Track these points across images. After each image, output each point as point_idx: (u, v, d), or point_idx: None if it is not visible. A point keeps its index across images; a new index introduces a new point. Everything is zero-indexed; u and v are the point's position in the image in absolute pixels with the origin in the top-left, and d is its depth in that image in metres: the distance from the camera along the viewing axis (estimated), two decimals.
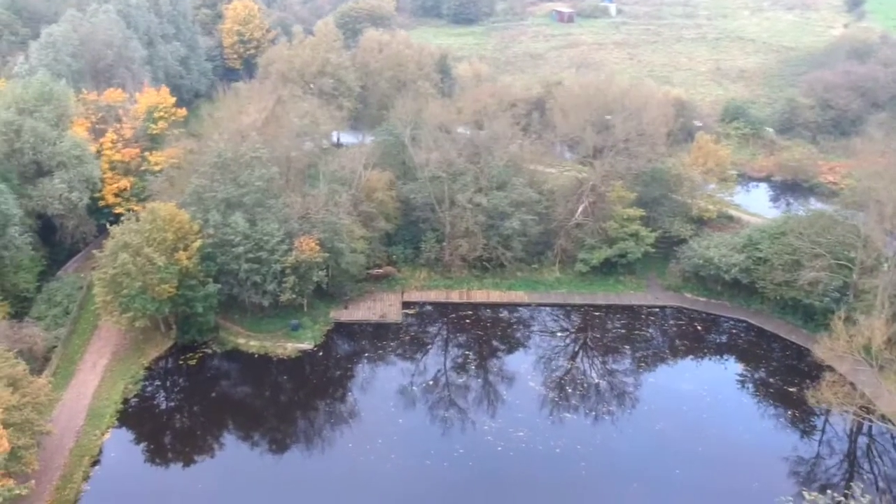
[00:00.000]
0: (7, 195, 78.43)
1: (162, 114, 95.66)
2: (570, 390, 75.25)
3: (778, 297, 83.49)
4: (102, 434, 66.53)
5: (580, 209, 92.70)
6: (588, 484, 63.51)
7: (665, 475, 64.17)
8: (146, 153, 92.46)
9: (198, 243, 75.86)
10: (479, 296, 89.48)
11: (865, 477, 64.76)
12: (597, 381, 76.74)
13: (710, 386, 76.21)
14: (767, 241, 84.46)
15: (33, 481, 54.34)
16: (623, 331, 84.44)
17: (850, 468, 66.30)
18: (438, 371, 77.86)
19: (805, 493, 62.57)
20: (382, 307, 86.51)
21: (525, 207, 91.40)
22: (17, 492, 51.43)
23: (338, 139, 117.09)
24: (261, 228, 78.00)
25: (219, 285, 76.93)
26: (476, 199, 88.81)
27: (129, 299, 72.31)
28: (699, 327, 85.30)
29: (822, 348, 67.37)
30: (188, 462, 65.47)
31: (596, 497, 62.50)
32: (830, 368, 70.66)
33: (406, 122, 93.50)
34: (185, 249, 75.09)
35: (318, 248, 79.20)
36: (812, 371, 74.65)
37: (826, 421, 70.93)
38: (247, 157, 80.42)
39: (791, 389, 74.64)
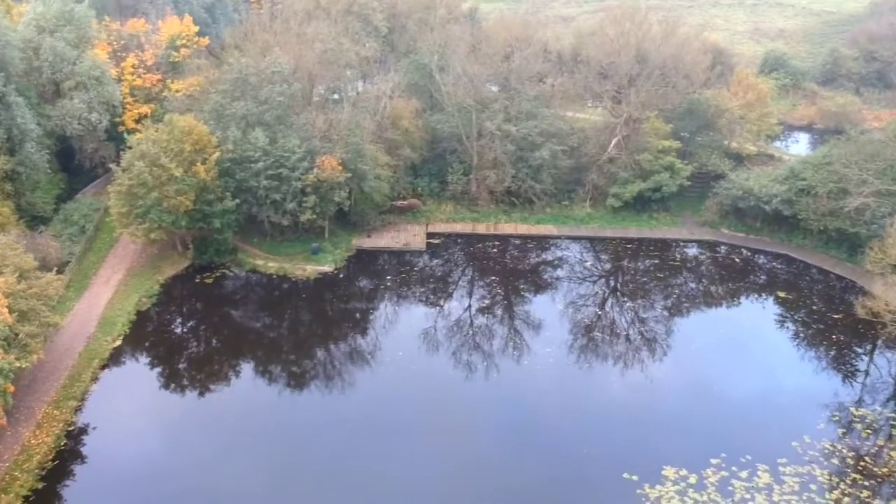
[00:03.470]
0: (24, 109, 76.62)
1: (184, 42, 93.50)
2: (600, 313, 71.84)
3: (822, 229, 79.29)
4: (113, 341, 64.16)
5: (613, 142, 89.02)
6: (621, 402, 59.91)
7: (703, 397, 60.67)
8: (167, 80, 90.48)
9: (216, 155, 73.41)
10: (507, 229, 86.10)
11: None
12: (628, 312, 73.13)
13: (749, 318, 72.29)
14: (811, 170, 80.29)
15: (35, 357, 51.98)
16: (657, 261, 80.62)
17: None
18: (461, 293, 74.79)
19: (852, 409, 58.63)
20: (406, 237, 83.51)
21: (556, 139, 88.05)
22: (18, 364, 49.04)
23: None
24: (281, 145, 75.37)
25: (237, 200, 74.32)
26: (505, 128, 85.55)
27: (144, 210, 70.10)
28: (737, 260, 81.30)
29: (872, 257, 63.27)
30: (200, 370, 62.70)
31: (629, 415, 58.79)
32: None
33: (434, 50, 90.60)
34: (203, 163, 72.65)
35: (340, 167, 76.40)
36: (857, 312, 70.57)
37: (871, 360, 66.52)
38: (268, 73, 77.92)
39: (837, 316, 70.54)
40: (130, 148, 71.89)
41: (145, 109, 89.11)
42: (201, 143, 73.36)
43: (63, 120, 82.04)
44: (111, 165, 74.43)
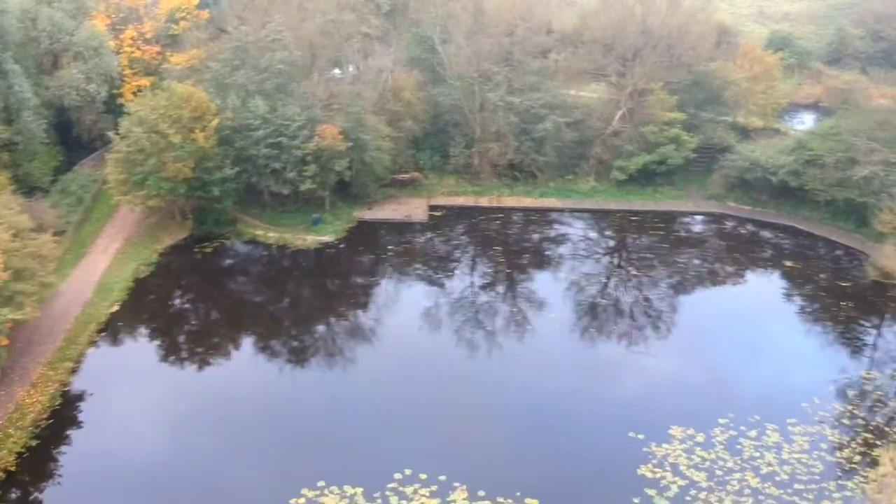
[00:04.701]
0: (20, 77, 75.53)
1: (184, 15, 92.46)
2: (605, 282, 70.83)
3: (829, 200, 78.23)
4: (111, 306, 63.13)
5: (617, 115, 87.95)
6: (626, 369, 58.93)
7: (710, 364, 59.57)
8: (167, 53, 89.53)
9: (215, 122, 72.37)
10: (510, 202, 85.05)
11: None
12: (633, 282, 71.89)
13: (756, 288, 71.03)
14: (819, 140, 79.24)
15: (29, 309, 50.92)
16: (662, 233, 79.51)
17: None
18: (463, 260, 73.82)
19: (863, 373, 57.56)
20: (408, 210, 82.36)
21: (559, 111, 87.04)
22: (12, 316, 48.08)
23: None
24: (281, 113, 74.28)
25: (237, 169, 73.30)
26: (508, 99, 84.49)
27: (142, 177, 69.24)
28: (743, 232, 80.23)
29: (882, 218, 62.23)
30: (197, 336, 61.72)
31: (635, 380, 57.75)
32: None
33: (436, 22, 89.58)
34: (202, 130, 71.58)
35: (340, 136, 75.31)
36: (866, 275, 69.75)
37: (881, 326, 65.36)
38: (268, 41, 76.96)
39: (845, 285, 69.53)
40: (128, 114, 71.00)
41: (144, 82, 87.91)
42: (200, 109, 72.32)
43: (61, 90, 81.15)
44: (109, 134, 73.50)
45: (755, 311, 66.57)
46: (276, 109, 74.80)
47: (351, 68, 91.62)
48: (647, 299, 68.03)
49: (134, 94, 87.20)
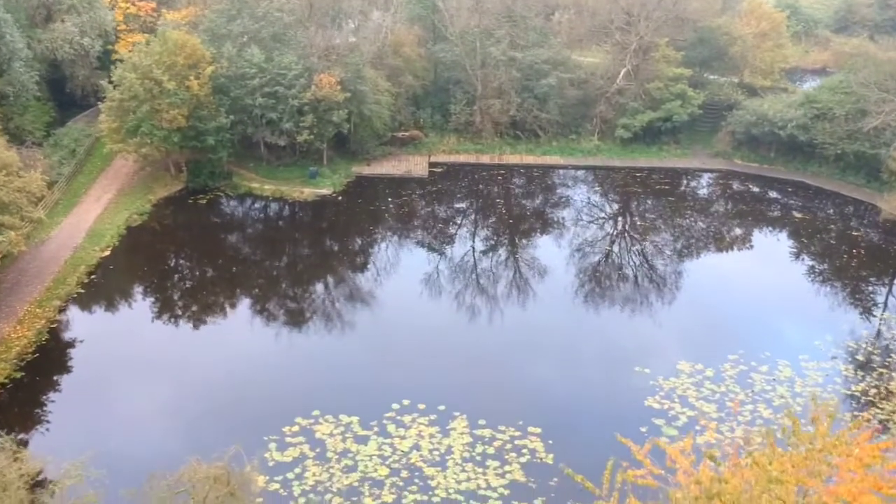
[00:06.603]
0: (11, 26, 73.82)
1: None
2: (612, 233, 69.03)
3: (839, 154, 76.29)
4: (101, 251, 61.38)
5: (622, 73, 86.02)
6: (631, 315, 57.23)
7: (718, 309, 57.85)
8: (162, 11, 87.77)
9: (210, 70, 70.56)
10: (512, 159, 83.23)
11: None
12: (633, 244, 70.18)
13: (767, 240, 69.44)
14: (828, 93, 77.47)
15: (13, 234, 49.18)
16: (667, 188, 77.76)
17: None
18: (463, 212, 72.16)
19: (877, 314, 55.83)
20: (408, 166, 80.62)
21: (563, 67, 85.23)
22: None
23: None
24: (277, 62, 72.52)
25: (231, 117, 71.53)
26: (511, 54, 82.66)
27: (135, 124, 67.54)
28: (752, 188, 78.44)
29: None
30: (187, 282, 60.56)
31: (641, 324, 55.99)
32: None
33: None
34: (196, 78, 69.82)
35: (338, 86, 73.51)
36: (878, 225, 68.00)
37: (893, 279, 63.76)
38: None
39: (857, 234, 67.78)
40: (122, 62, 69.33)
41: (140, 38, 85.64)
42: (195, 57, 70.43)
43: (54, 43, 79.35)
44: (103, 83, 71.79)
45: (766, 261, 64.94)
46: (273, 59, 73.03)
47: (351, 24, 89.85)
48: (655, 251, 66.24)
49: (129, 50, 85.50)
